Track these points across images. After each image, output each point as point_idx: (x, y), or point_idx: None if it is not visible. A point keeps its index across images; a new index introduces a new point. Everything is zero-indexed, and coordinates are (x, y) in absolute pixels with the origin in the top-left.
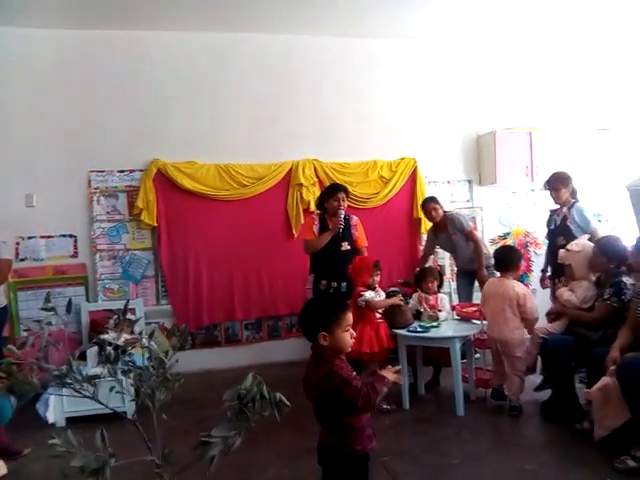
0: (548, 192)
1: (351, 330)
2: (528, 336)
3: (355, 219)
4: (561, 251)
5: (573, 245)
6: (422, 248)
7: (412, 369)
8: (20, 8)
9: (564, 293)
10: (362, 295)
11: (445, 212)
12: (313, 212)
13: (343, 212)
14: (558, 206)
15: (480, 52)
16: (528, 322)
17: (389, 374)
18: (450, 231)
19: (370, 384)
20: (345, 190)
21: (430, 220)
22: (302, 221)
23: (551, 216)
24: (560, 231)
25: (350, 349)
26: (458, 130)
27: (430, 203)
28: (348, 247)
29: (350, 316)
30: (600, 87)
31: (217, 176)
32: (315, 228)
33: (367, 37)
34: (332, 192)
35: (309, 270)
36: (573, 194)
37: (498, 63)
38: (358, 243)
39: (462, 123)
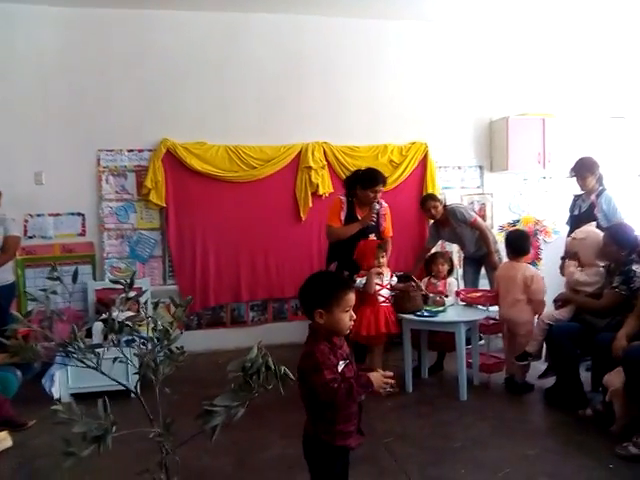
0: (574, 179)
1: (351, 312)
2: (537, 318)
3: (385, 207)
4: (567, 239)
5: (578, 233)
6: (426, 241)
7: (417, 353)
8: None
9: (575, 272)
10: (355, 281)
11: (445, 206)
12: (340, 195)
13: (377, 205)
14: (583, 192)
15: (494, 36)
16: (535, 303)
17: (377, 380)
18: (454, 224)
19: (349, 383)
20: (385, 182)
21: (431, 218)
22: (310, 204)
23: (575, 201)
24: (585, 218)
25: (348, 332)
26: (470, 115)
27: (429, 201)
28: (374, 238)
29: (352, 297)
30: (615, 74)
31: (226, 157)
32: (342, 215)
33: (380, 18)
34: (372, 182)
35: (327, 258)
36: (599, 181)
37: (513, 48)
38: (384, 233)
39: (475, 108)
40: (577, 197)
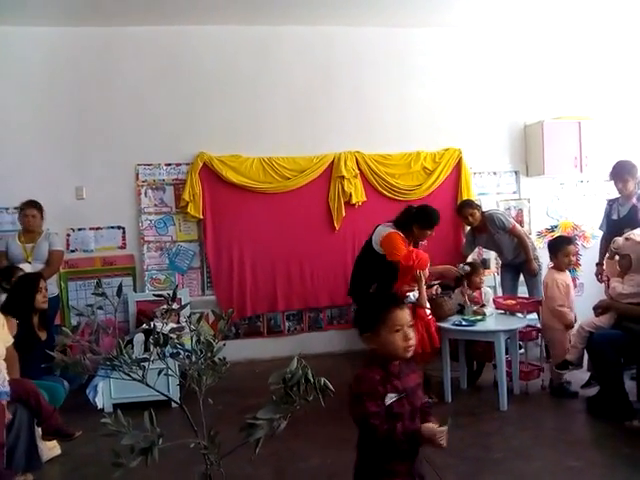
0: (612, 183)
1: (406, 331)
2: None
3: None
4: (618, 239)
5: (635, 234)
6: (462, 248)
7: (455, 363)
8: (65, 9)
9: (617, 286)
10: (407, 297)
11: (483, 213)
12: (393, 230)
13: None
14: (617, 196)
15: (528, 40)
16: (553, 311)
17: (429, 434)
18: (492, 231)
19: (392, 428)
20: (437, 223)
21: (468, 225)
22: (343, 214)
23: (611, 205)
24: (627, 222)
25: (403, 352)
26: (505, 120)
27: (466, 209)
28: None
29: (401, 315)
30: None
31: (260, 169)
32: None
33: (409, 27)
34: (432, 224)
35: (363, 279)
36: (638, 184)
37: (547, 51)
38: None
39: (509, 113)
40: (612, 201)
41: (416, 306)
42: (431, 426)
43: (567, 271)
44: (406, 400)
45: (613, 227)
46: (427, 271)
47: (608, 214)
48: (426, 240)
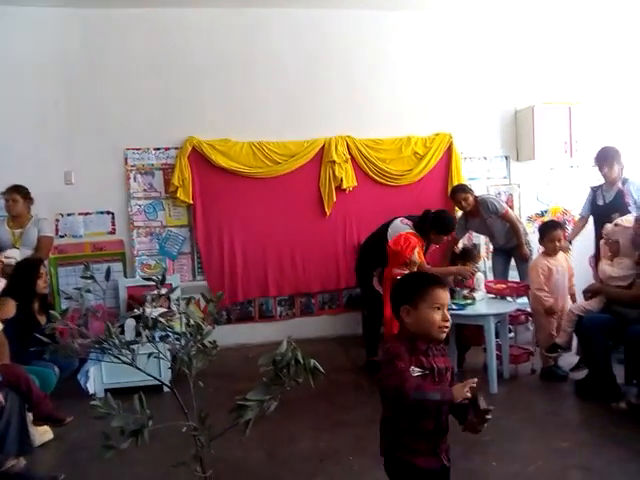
0: (597, 168)
1: (445, 312)
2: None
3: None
4: (608, 226)
5: (624, 220)
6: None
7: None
8: None
9: (607, 269)
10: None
11: (476, 198)
12: (410, 232)
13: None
14: (600, 183)
15: (518, 24)
16: (532, 295)
17: (457, 389)
18: (484, 215)
19: (420, 381)
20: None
21: (461, 209)
22: (334, 199)
23: (595, 192)
24: (613, 207)
25: (438, 332)
26: (495, 105)
27: (460, 193)
28: None
29: (442, 294)
30: None
31: (250, 153)
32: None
33: (401, 9)
34: (449, 229)
35: (366, 264)
36: (622, 170)
37: (537, 35)
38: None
39: (500, 98)
40: (596, 188)
41: None
42: (457, 385)
43: (561, 256)
44: (431, 379)
45: (599, 213)
46: (416, 255)
47: (592, 200)
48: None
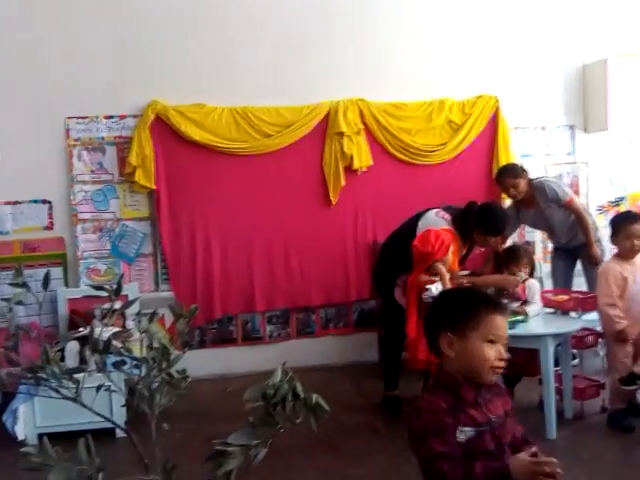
0: None
1: (501, 348)
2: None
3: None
4: None
5: None
6: None
7: None
8: None
9: None
10: (427, 289)
11: (530, 182)
12: (448, 227)
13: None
14: None
15: None
16: (599, 312)
17: (525, 470)
18: (542, 205)
19: (468, 469)
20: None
21: (511, 197)
22: (342, 183)
23: None
24: None
25: (488, 372)
26: (555, 58)
27: (508, 177)
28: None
29: (502, 323)
30: None
31: (232, 123)
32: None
33: None
34: (498, 230)
35: (389, 269)
36: None
37: None
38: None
39: (561, 49)
40: None
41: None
42: (523, 457)
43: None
44: (490, 435)
45: None
46: (450, 257)
47: None
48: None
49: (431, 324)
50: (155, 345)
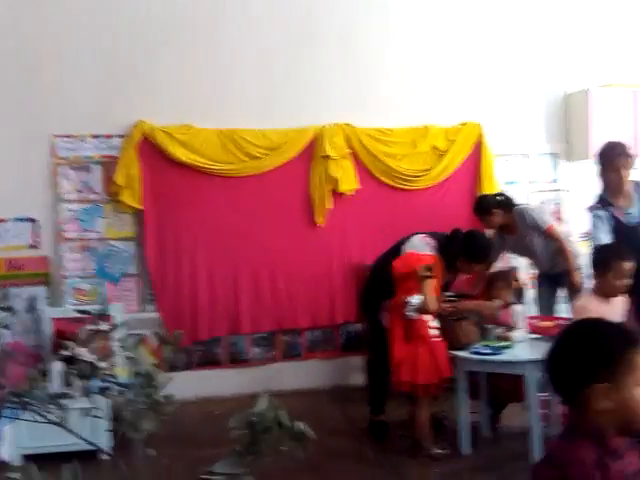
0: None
1: None
2: None
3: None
4: None
5: None
6: None
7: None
8: None
9: None
10: (407, 303)
11: (511, 208)
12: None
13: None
14: None
15: None
16: None
17: None
18: (522, 232)
19: None
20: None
21: (490, 228)
22: (329, 206)
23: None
24: None
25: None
26: (539, 88)
27: (482, 214)
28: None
29: None
30: None
31: (219, 145)
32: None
33: None
34: (483, 258)
35: (376, 287)
36: None
37: (592, 1)
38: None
39: (544, 78)
40: None
41: (418, 323)
42: None
43: (620, 298)
44: None
45: None
46: (433, 281)
47: None
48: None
49: (569, 375)
50: (141, 371)
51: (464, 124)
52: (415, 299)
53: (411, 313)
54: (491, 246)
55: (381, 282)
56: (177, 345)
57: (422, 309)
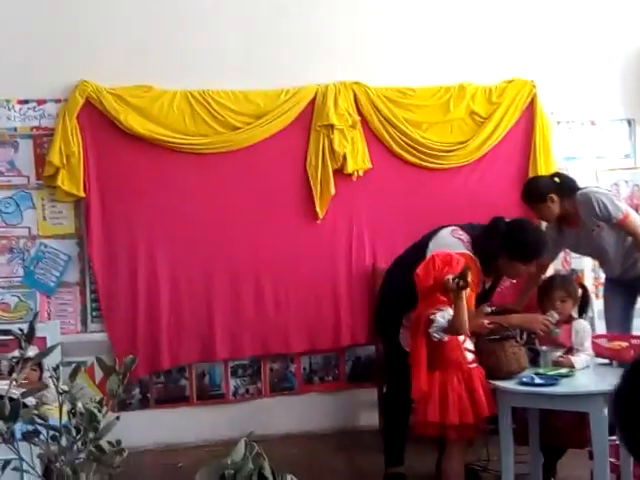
0: None
1: None
2: None
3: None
4: None
5: None
6: None
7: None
8: None
9: None
10: (433, 321)
11: (573, 194)
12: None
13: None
14: None
15: None
16: None
17: None
18: (588, 223)
19: None
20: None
21: (546, 220)
22: (332, 191)
23: None
24: None
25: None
26: (608, 36)
27: (528, 203)
28: None
29: None
30: None
31: (187, 111)
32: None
33: None
34: (527, 256)
35: (394, 297)
36: None
37: None
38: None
39: (615, 24)
40: None
41: (445, 339)
42: None
43: None
44: None
45: None
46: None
47: None
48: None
49: None
50: (79, 409)
51: (511, 81)
52: (442, 316)
53: (438, 334)
54: (543, 240)
55: (401, 291)
56: (128, 376)
57: (452, 329)
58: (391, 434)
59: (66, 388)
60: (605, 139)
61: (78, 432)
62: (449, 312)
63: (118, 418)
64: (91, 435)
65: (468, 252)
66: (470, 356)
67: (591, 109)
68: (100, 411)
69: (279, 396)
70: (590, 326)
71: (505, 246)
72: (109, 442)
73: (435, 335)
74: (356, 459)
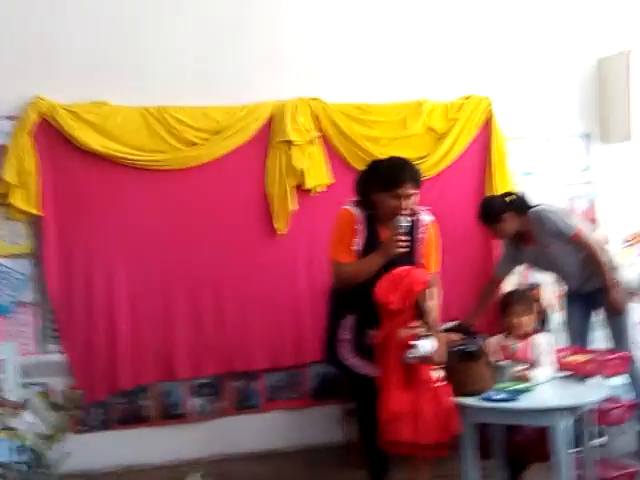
0: None
1: None
2: None
3: (426, 222)
4: None
5: None
6: (495, 267)
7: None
8: None
9: None
10: (413, 347)
11: (529, 209)
12: (349, 205)
13: (406, 220)
14: None
15: None
16: None
17: None
18: (542, 240)
19: None
20: (418, 177)
21: (502, 238)
22: (290, 206)
23: None
24: None
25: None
26: (564, 50)
27: (490, 222)
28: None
29: None
30: None
31: (144, 128)
32: (357, 240)
33: None
34: (394, 181)
35: (334, 307)
36: None
37: None
38: (425, 267)
39: (571, 39)
40: None
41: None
42: None
43: None
44: None
45: None
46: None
47: None
48: (414, 219)
49: None
50: (27, 444)
51: (468, 98)
52: (426, 344)
53: (415, 359)
54: (407, 166)
55: (341, 298)
56: (73, 409)
57: (435, 359)
58: (371, 450)
59: (10, 423)
60: (561, 154)
61: (27, 466)
62: (432, 342)
63: (69, 453)
64: (40, 472)
65: (350, 207)
66: (436, 375)
67: (548, 124)
68: (50, 445)
69: (243, 414)
70: (550, 339)
71: (375, 180)
72: (61, 475)
73: (410, 359)
74: (324, 476)
